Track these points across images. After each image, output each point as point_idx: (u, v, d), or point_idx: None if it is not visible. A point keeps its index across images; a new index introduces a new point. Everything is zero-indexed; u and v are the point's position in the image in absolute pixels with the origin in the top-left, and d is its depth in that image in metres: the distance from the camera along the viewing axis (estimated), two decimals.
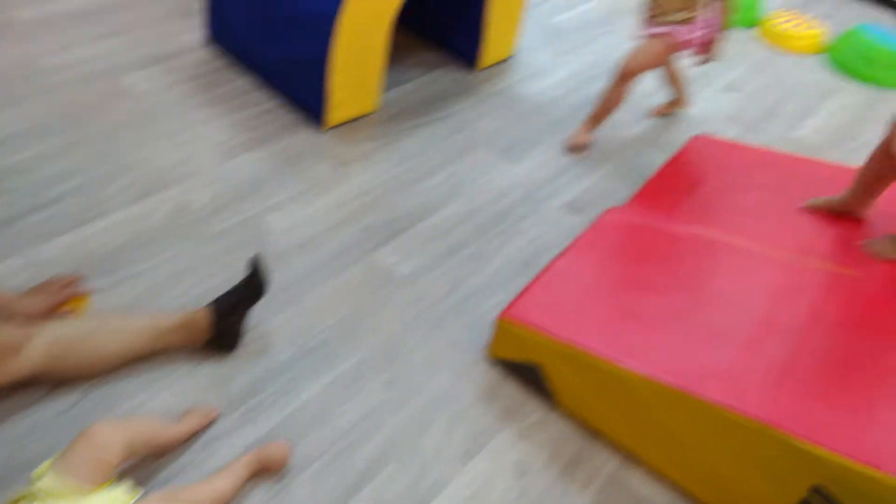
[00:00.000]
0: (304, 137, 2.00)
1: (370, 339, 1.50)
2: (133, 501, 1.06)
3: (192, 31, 2.32)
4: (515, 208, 1.92)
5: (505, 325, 1.44)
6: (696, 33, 1.94)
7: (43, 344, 1.20)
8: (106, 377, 1.31)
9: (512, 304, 1.47)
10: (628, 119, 2.33)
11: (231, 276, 1.46)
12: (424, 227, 1.80)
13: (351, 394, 1.39)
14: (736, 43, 2.90)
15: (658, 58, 2.03)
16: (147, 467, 1.20)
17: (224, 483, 1.14)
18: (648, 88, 2.44)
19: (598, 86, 2.45)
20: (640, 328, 1.41)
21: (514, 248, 1.79)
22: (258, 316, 1.45)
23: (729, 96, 2.56)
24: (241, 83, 2.14)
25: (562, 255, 1.62)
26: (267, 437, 1.28)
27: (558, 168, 2.08)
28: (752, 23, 3.05)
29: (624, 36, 2.81)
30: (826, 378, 1.31)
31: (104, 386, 1.30)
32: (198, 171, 1.81)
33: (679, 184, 1.95)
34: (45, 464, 1.05)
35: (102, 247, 1.56)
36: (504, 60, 2.49)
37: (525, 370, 1.46)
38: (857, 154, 2.34)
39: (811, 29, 2.93)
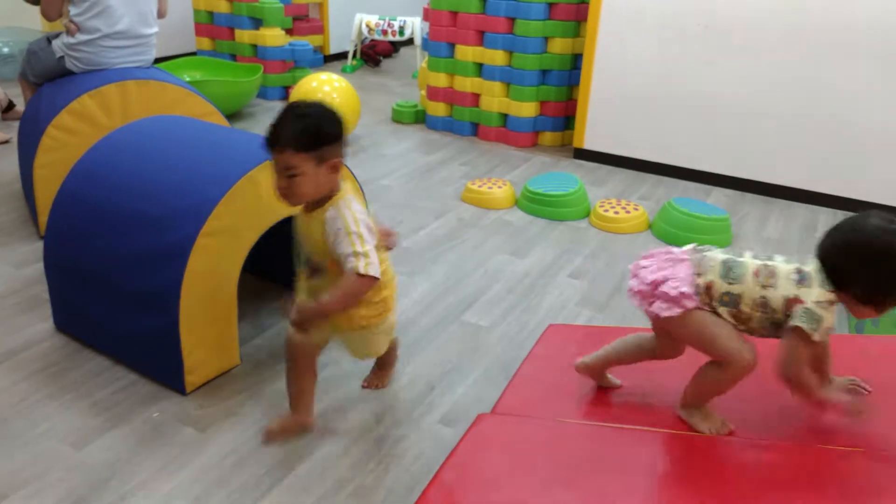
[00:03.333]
0: (165, 406, 2.00)
1: None
2: None
3: (40, 321, 2.36)
4: (391, 431, 1.96)
5: None
6: None
7: None
8: None
9: None
10: (486, 321, 2.52)
11: None
12: (299, 477, 1.79)
13: None
14: (573, 233, 3.30)
15: None
16: None
17: None
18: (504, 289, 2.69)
19: (452, 298, 2.68)
20: None
21: (397, 476, 1.81)
22: None
23: (575, 283, 2.85)
24: (93, 365, 2.16)
25: (437, 475, 1.65)
26: None
27: (428, 383, 2.18)
28: (583, 214, 3.49)
29: (469, 247, 3.13)
30: None
31: None
32: (46, 470, 1.75)
33: (542, 375, 2.08)
34: None
35: None
36: None
37: None
38: None
39: (634, 210, 3.40)
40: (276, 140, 1.56)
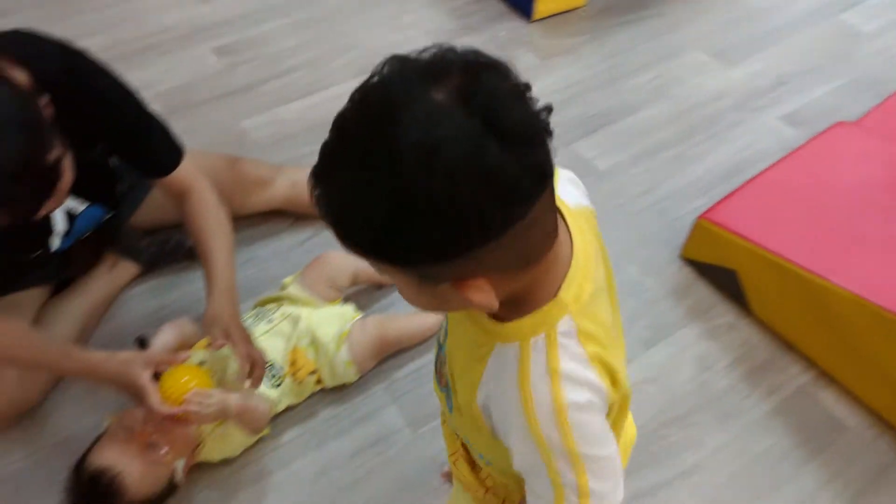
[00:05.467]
0: (511, 28, 2.15)
1: None
2: (356, 319, 1.32)
3: None
4: (726, 115, 1.94)
5: (705, 226, 1.51)
6: None
7: (287, 181, 1.50)
8: None
9: (716, 206, 1.53)
10: (870, 26, 2.21)
11: None
12: (626, 125, 1.89)
13: None
14: None
15: None
16: (369, 295, 1.47)
17: (433, 318, 1.37)
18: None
19: None
20: (856, 247, 1.41)
21: (721, 155, 1.83)
22: None
23: None
24: None
25: (777, 164, 1.64)
26: None
27: (779, 77, 2.04)
28: None
29: None
30: None
31: None
32: (415, 43, 2.03)
33: None
34: (290, 278, 1.34)
35: (332, 112, 1.82)
36: None
37: (720, 273, 1.54)
38: None
39: None
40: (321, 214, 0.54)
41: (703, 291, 1.56)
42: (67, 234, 1.21)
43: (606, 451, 0.64)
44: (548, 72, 2.02)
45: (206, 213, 1.20)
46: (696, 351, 1.46)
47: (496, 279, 0.54)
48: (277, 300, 1.32)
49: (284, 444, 1.28)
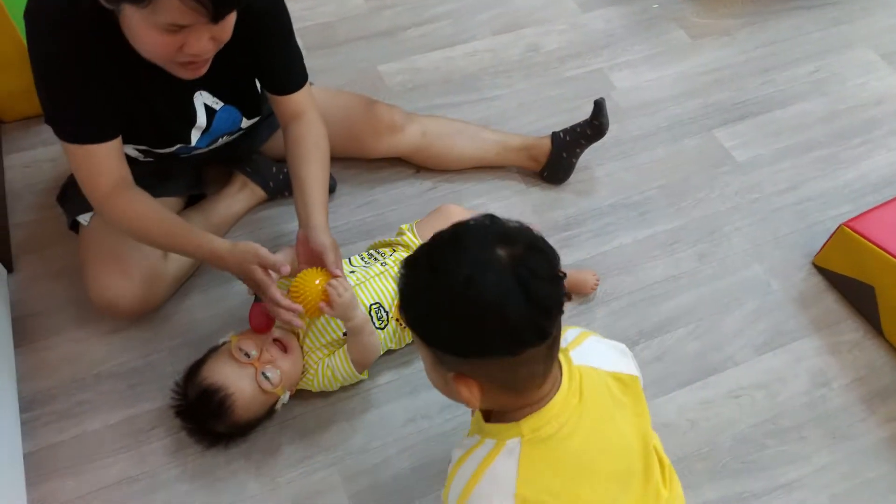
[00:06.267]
0: (665, 1, 2.07)
1: (693, 211, 1.60)
2: None
3: None
4: (888, 120, 1.80)
5: (848, 235, 1.42)
6: None
7: (418, 130, 1.53)
8: (457, 176, 1.62)
9: (863, 216, 1.44)
10: None
11: (571, 118, 1.62)
12: (774, 118, 1.79)
13: (662, 253, 1.53)
14: None
15: None
16: None
17: None
18: None
19: None
20: None
21: (876, 163, 1.71)
22: (590, 159, 1.64)
23: None
24: None
25: None
26: (575, 266, 1.49)
27: None
28: None
29: None
30: None
31: (455, 182, 1.61)
32: (556, 17, 2.00)
33: None
34: (407, 225, 1.37)
35: (466, 67, 1.86)
36: None
37: (854, 287, 1.45)
38: None
39: None
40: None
41: (832, 303, 1.48)
42: (206, 131, 1.27)
43: None
44: (696, 52, 1.94)
45: (312, 141, 1.24)
46: (814, 364, 1.39)
47: (485, 387, 0.76)
48: (392, 245, 1.36)
49: (379, 386, 1.33)
